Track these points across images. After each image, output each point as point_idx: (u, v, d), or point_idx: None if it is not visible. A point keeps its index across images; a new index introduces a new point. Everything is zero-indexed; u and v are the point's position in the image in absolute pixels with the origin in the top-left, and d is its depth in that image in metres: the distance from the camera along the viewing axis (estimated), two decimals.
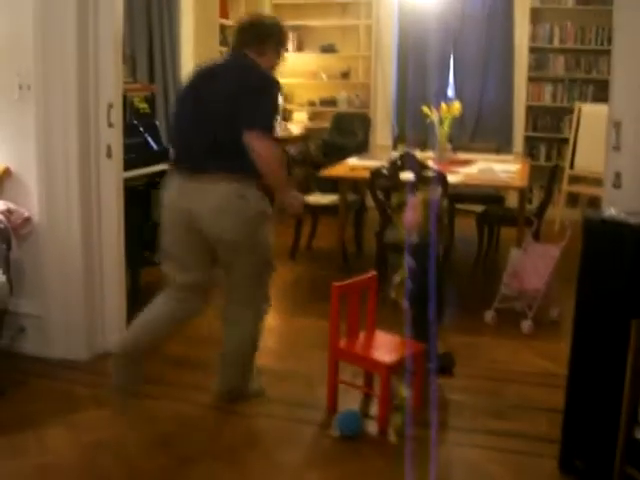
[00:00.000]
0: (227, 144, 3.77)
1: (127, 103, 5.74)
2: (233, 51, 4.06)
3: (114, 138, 4.57)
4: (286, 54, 4.24)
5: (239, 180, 3.77)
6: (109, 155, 4.55)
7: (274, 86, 3.89)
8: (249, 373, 4.21)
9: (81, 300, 4.58)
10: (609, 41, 8.45)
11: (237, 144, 3.72)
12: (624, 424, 3.13)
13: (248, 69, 3.92)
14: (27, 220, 4.44)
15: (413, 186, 5.34)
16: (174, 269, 3.98)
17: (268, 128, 3.81)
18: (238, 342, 4.09)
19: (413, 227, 4.50)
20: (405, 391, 3.95)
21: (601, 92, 8.75)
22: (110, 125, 4.53)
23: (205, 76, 4.01)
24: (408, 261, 4.46)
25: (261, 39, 3.98)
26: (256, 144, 3.71)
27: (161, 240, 4.05)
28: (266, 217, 3.93)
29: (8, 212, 4.32)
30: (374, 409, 4.05)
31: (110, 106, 4.52)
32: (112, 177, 4.59)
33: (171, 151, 4.23)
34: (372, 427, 3.90)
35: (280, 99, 4.08)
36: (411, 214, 4.53)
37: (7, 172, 4.50)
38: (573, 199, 9.17)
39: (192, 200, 3.80)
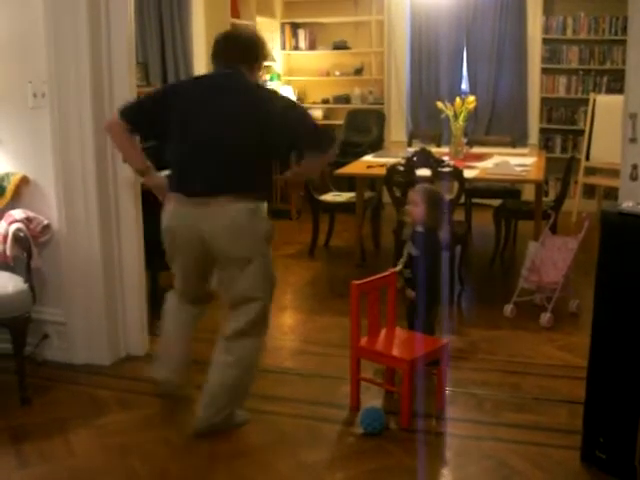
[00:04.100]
0: (247, 166, 3.61)
1: None
2: (227, 66, 3.75)
3: None
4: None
5: (252, 199, 3.62)
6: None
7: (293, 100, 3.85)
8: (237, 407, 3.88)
9: (102, 305, 4.61)
10: (623, 31, 8.42)
11: (256, 166, 3.63)
12: None
13: (259, 89, 3.83)
14: (46, 227, 4.46)
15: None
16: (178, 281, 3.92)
17: (332, 140, 3.84)
18: (235, 374, 3.76)
19: (417, 219, 4.53)
20: None
21: (616, 83, 8.76)
22: None
23: (210, 93, 3.69)
24: (409, 248, 4.51)
25: (253, 57, 3.80)
26: (326, 161, 3.95)
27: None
28: (271, 235, 3.77)
29: (27, 220, 4.34)
30: (397, 405, 4.06)
31: None
32: (129, 182, 4.60)
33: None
34: (395, 423, 3.91)
35: None
36: (413, 206, 4.56)
37: (25, 180, 4.51)
38: (589, 191, 9.16)
39: (204, 221, 3.59)
